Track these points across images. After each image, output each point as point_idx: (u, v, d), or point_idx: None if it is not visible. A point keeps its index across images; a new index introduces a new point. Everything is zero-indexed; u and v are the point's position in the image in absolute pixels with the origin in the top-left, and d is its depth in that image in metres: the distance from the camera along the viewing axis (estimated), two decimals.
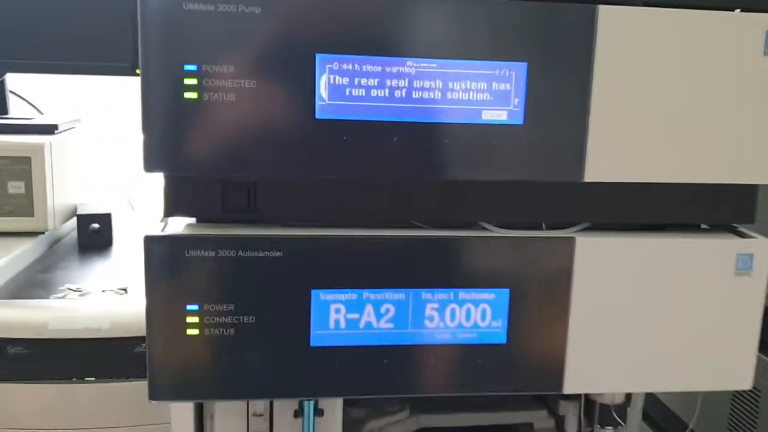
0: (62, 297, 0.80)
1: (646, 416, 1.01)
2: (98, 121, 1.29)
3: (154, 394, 0.53)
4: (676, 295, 0.56)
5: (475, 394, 0.56)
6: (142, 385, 0.77)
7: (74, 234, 1.07)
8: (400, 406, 0.79)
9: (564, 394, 0.78)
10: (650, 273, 0.56)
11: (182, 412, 0.60)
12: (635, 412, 1.01)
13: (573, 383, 0.56)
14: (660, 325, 0.56)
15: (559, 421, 0.80)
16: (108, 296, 0.81)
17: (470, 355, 0.55)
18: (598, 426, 0.71)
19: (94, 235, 1.03)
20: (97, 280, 0.87)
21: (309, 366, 0.54)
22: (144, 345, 0.72)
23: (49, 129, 1.02)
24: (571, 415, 0.78)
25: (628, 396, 0.72)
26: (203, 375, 0.53)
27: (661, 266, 0.56)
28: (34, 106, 1.22)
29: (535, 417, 0.82)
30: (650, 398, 1.01)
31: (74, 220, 1.06)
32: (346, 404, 0.76)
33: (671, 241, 0.56)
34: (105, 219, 1.02)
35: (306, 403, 0.60)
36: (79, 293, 0.80)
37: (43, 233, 0.99)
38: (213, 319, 0.52)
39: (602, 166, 0.54)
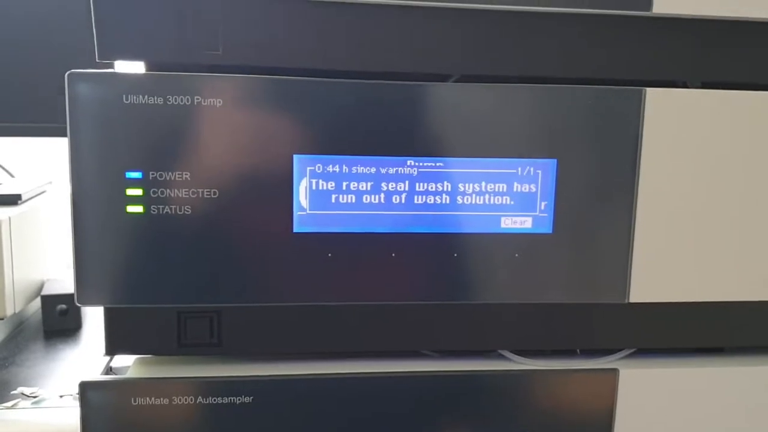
0: (12, 407, 0.69)
1: None
2: None
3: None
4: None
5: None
6: None
7: (39, 315, 0.96)
8: None
9: None
10: (706, 408, 0.45)
11: None
12: None
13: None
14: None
15: None
16: (65, 403, 0.70)
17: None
18: None
19: (60, 318, 0.92)
20: (57, 379, 0.77)
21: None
22: None
23: (11, 200, 0.92)
24: None
25: None
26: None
27: (722, 400, 0.45)
28: (4, 169, 1.12)
29: None
30: None
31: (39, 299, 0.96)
32: None
33: (733, 370, 0.46)
34: (72, 299, 0.92)
35: None
36: (33, 400, 0.70)
37: (1, 319, 0.88)
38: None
39: (651, 284, 0.43)
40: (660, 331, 0.47)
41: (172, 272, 0.41)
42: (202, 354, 0.44)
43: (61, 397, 0.72)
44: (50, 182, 1.10)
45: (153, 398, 0.42)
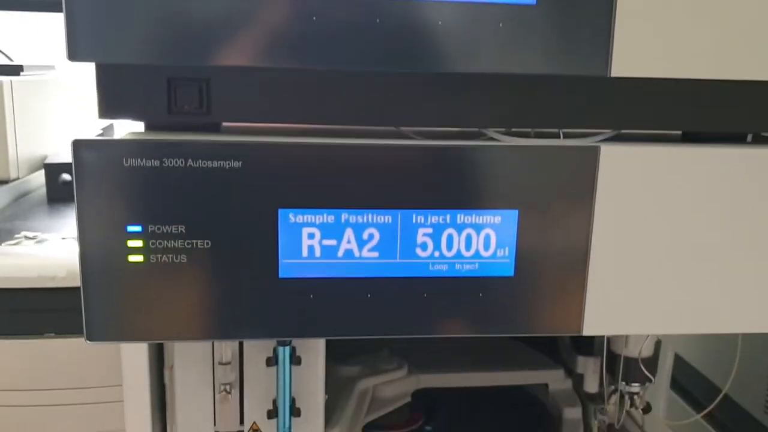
0: (15, 244, 0.72)
1: (675, 383, 0.92)
2: (77, 71, 1.20)
3: (92, 334, 0.44)
4: (717, 218, 0.47)
5: (476, 335, 0.47)
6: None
7: (44, 189, 0.98)
8: (398, 363, 0.70)
9: (584, 350, 0.69)
10: (689, 190, 0.47)
11: (135, 366, 0.52)
12: (663, 376, 0.92)
13: (594, 323, 0.47)
14: (698, 254, 0.47)
15: (577, 381, 0.71)
16: (68, 244, 0.72)
17: (471, 291, 0.46)
18: (623, 383, 0.62)
19: (63, 187, 0.94)
20: (61, 230, 0.79)
21: (277, 301, 0.45)
22: None
23: (14, 70, 0.93)
24: (591, 374, 0.69)
25: (657, 348, 0.62)
26: (149, 310, 0.44)
27: (703, 181, 0.47)
28: (4, 54, 1.13)
29: (551, 377, 0.73)
30: (679, 363, 0.92)
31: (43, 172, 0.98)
32: (336, 361, 0.68)
33: (715, 152, 0.47)
34: None
35: (280, 348, 0.51)
36: (35, 240, 0.72)
37: (6, 183, 0.90)
38: (160, 243, 0.43)
39: (632, 57, 0.44)
40: (641, 112, 0.48)
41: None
42: (191, 120, 0.45)
43: (63, 239, 0.75)
44: (52, 66, 1.12)
45: (144, 160, 0.43)
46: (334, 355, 0.66)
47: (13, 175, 0.89)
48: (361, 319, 0.46)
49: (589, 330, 0.47)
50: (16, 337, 0.66)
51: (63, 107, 1.10)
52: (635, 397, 0.63)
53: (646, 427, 0.69)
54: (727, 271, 0.47)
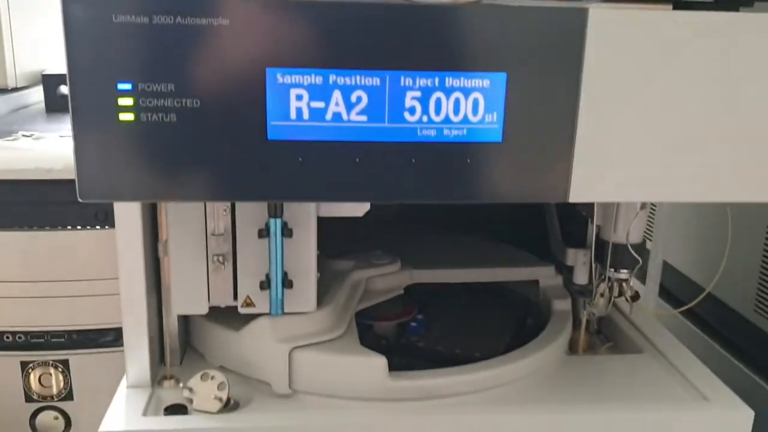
0: (13, 140, 0.72)
1: (663, 290, 0.93)
2: None
3: (84, 192, 0.45)
4: (706, 85, 0.47)
5: (463, 201, 0.48)
6: (102, 235, 0.70)
7: (43, 103, 0.98)
8: (391, 259, 0.71)
9: (573, 242, 0.70)
10: (678, 56, 0.46)
11: (129, 239, 0.53)
12: (652, 282, 0.93)
13: (581, 190, 0.48)
14: (686, 121, 0.47)
15: (567, 276, 0.72)
16: (66, 141, 0.73)
17: (459, 156, 0.47)
18: (612, 270, 0.63)
19: (61, 100, 0.94)
20: (59, 131, 0.79)
21: (266, 163, 0.45)
22: None
23: None
24: (581, 266, 0.70)
25: (643, 241, 0.63)
26: (140, 169, 0.45)
27: (693, 47, 0.46)
28: None
29: (541, 273, 0.74)
30: (668, 270, 0.93)
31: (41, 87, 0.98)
32: (329, 256, 0.69)
33: (706, 17, 0.46)
34: None
35: (271, 220, 0.52)
36: (32, 137, 0.72)
37: (4, 92, 0.90)
38: (150, 102, 0.44)
39: None
40: None
41: None
42: None
43: (61, 137, 0.76)
44: None
45: (133, 16, 0.44)
46: (327, 252, 0.67)
47: (11, 83, 0.90)
48: (350, 184, 0.46)
49: (575, 197, 0.48)
50: (13, 229, 0.67)
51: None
52: (624, 284, 0.64)
53: (634, 320, 0.70)
54: (714, 139, 0.48)
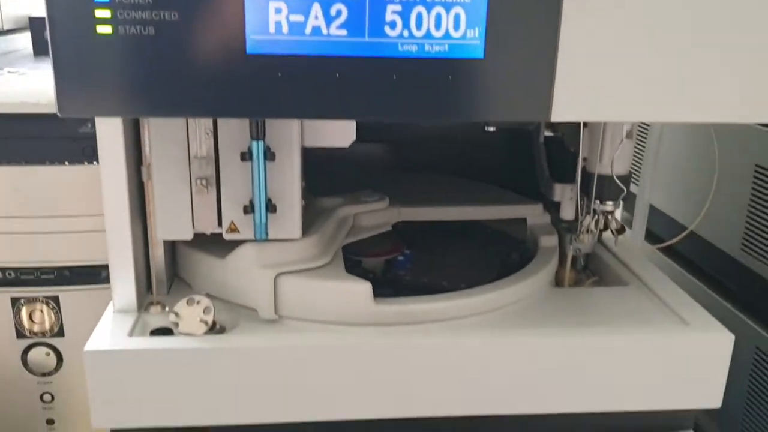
0: None
1: (650, 234, 0.94)
2: None
3: (63, 107, 0.45)
4: (689, 5, 0.47)
5: (445, 121, 0.48)
6: (90, 171, 0.70)
7: (30, 48, 0.97)
8: (379, 197, 0.72)
9: (561, 177, 0.70)
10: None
11: (112, 162, 0.53)
12: (638, 226, 0.93)
13: (563, 108, 0.48)
14: (669, 42, 0.47)
15: (555, 213, 0.72)
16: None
17: (440, 72, 0.46)
18: (597, 202, 0.63)
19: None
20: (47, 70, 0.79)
21: (245, 78, 0.45)
22: (91, 125, 0.64)
23: None
24: (568, 201, 0.70)
25: (629, 173, 0.63)
26: (119, 84, 0.44)
27: None
28: None
29: (529, 211, 0.74)
30: (654, 214, 0.93)
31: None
32: (315, 195, 0.69)
33: None
34: None
35: (254, 143, 0.52)
36: (18, 74, 0.72)
37: None
38: (128, 14, 0.43)
39: None
40: None
41: None
42: None
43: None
44: None
45: None
46: (315, 190, 0.68)
47: None
48: (330, 100, 0.46)
49: (557, 115, 0.48)
50: (0, 164, 0.67)
51: None
52: (609, 217, 0.64)
53: (620, 255, 0.70)
54: (700, 57, 0.47)
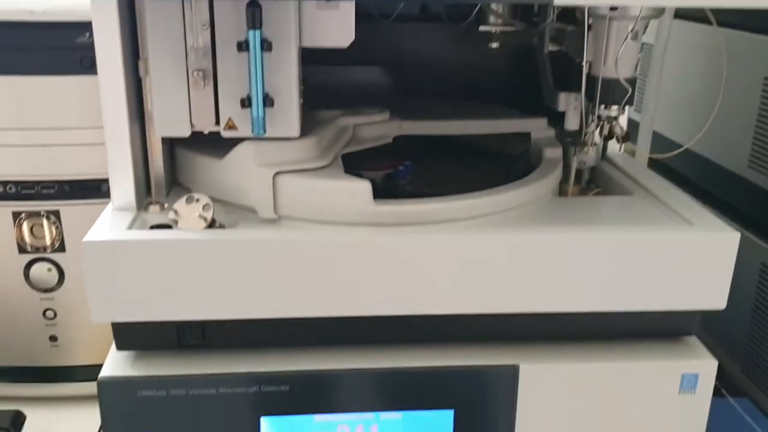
0: None
1: (653, 161, 0.92)
2: None
3: None
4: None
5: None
6: (88, 81, 0.69)
7: None
8: (379, 110, 0.70)
9: (565, 86, 0.69)
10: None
11: (109, 56, 0.52)
12: (643, 149, 0.92)
13: None
14: None
15: (559, 132, 0.71)
16: None
17: None
18: (602, 106, 0.62)
19: None
20: None
21: None
22: (89, 34, 0.63)
23: None
24: (573, 111, 0.69)
25: (634, 77, 0.62)
26: None
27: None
28: None
29: (533, 125, 0.73)
30: (658, 138, 0.92)
31: None
32: (310, 106, 0.67)
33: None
34: None
35: (251, 32, 0.51)
36: None
37: None
38: None
39: None
40: None
41: None
42: None
43: None
44: None
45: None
46: (313, 104, 0.66)
47: None
48: None
49: None
50: None
51: None
52: (614, 123, 0.63)
53: (624, 168, 0.69)
54: None
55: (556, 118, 0.71)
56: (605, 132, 0.63)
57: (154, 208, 0.56)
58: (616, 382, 0.57)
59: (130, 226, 0.52)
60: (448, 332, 0.57)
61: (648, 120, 0.80)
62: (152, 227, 0.53)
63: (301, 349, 0.56)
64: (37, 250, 0.72)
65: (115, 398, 0.53)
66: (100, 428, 0.63)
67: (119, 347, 0.55)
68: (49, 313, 0.74)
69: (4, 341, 0.75)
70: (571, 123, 0.68)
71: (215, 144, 0.57)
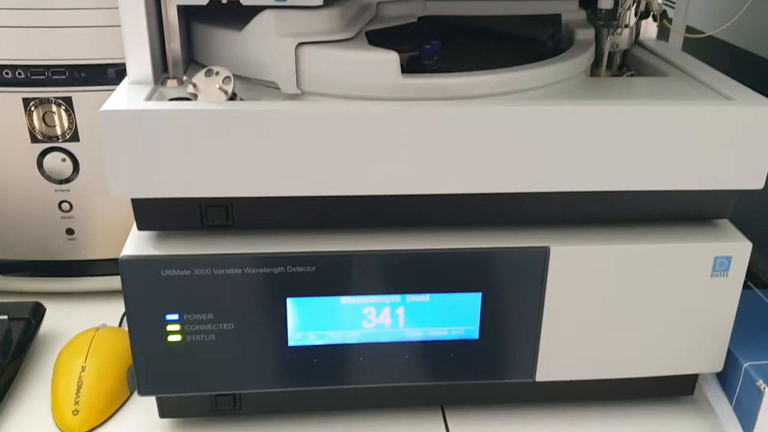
0: None
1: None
2: None
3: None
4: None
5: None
6: None
7: None
8: None
9: None
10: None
11: None
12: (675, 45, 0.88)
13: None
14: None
15: (590, 15, 0.68)
16: None
17: None
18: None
19: None
20: None
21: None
22: None
23: None
24: None
25: None
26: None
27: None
28: None
29: (564, 7, 0.70)
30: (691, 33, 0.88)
31: None
32: None
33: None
34: None
35: None
36: None
37: None
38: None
39: None
40: None
41: None
42: None
43: None
44: None
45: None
46: None
47: None
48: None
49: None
50: None
51: None
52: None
53: (659, 51, 0.66)
54: None
55: (587, 1, 0.68)
56: (641, 8, 0.60)
57: (171, 83, 0.54)
58: (649, 265, 0.55)
59: (149, 98, 0.50)
60: (477, 214, 0.55)
61: (683, 5, 0.76)
62: (171, 100, 0.51)
63: (327, 231, 0.55)
64: (50, 139, 0.70)
65: (138, 278, 0.52)
66: (124, 315, 0.63)
67: (140, 227, 0.54)
68: (65, 206, 0.73)
69: (20, 234, 0.74)
70: (606, 1, 0.65)
71: (233, 17, 0.54)
